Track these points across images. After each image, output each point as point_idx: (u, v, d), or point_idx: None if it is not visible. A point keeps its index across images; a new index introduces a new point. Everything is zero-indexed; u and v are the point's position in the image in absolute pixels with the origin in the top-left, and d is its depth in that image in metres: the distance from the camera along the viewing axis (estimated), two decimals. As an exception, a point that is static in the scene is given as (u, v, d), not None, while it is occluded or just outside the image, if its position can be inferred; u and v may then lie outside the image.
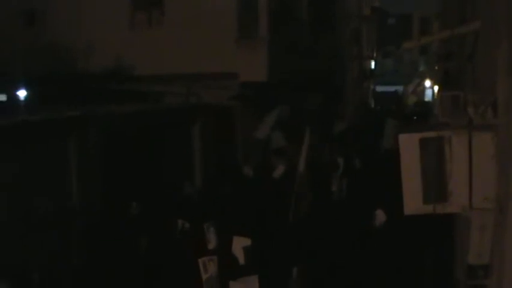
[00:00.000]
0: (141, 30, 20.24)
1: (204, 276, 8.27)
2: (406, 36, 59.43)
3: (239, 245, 8.52)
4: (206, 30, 18.68)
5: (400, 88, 58.76)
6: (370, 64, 46.04)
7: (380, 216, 9.49)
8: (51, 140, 11.34)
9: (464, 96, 11.80)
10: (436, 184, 4.71)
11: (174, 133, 15.61)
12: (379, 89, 52.82)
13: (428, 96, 57.12)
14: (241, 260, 8.60)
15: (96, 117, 12.62)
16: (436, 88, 48.08)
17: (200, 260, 8.31)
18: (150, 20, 20.47)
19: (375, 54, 48.49)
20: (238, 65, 18.35)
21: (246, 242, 8.49)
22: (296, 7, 22.07)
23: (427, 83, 57.10)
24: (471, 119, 4.34)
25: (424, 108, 38.40)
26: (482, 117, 4.27)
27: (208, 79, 18.30)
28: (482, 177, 4.14)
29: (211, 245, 8.95)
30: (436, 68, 37.97)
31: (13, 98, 18.89)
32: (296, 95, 21.04)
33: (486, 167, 4.09)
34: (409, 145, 4.89)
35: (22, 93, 18.86)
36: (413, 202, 4.91)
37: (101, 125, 12.68)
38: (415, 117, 31.59)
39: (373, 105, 46.17)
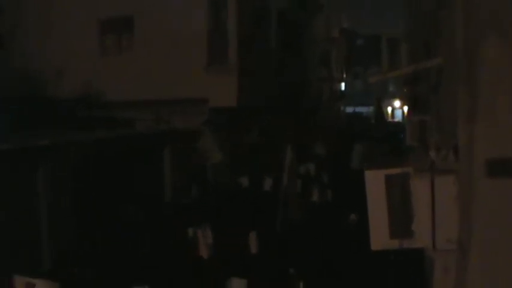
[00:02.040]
0: (110, 55, 20.30)
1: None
2: (375, 56, 60.20)
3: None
4: (176, 56, 18.73)
5: (370, 108, 59.43)
6: (340, 86, 46.46)
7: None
8: (19, 169, 11.27)
9: (431, 121, 11.98)
10: (402, 220, 4.79)
11: (145, 159, 15.61)
12: (350, 110, 53.27)
13: (398, 116, 57.80)
14: None
15: (65, 144, 12.60)
16: (405, 109, 48.62)
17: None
18: (120, 45, 20.46)
19: (344, 76, 48.92)
20: (208, 90, 18.39)
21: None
22: (265, 33, 22.24)
23: (397, 103, 57.81)
24: (433, 162, 4.45)
25: (395, 128, 38.67)
26: (444, 160, 4.38)
27: (178, 105, 18.31)
28: (445, 218, 4.23)
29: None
30: (405, 90, 38.32)
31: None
32: (266, 119, 21.19)
33: (448, 208, 4.18)
34: (375, 181, 4.97)
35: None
36: (380, 237, 4.98)
37: (71, 153, 12.65)
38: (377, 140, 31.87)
39: (343, 126, 46.47)
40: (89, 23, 20.03)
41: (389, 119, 57.43)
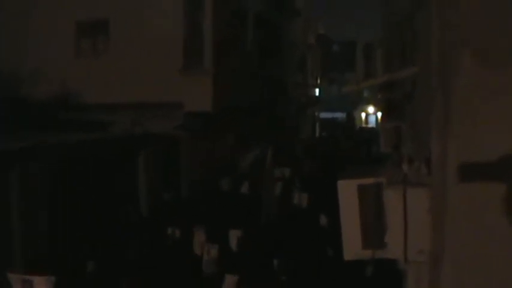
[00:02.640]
0: (86, 57, 20.13)
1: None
2: (351, 62, 60.51)
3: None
4: (151, 60, 18.63)
5: (343, 114, 59.73)
6: (315, 91, 46.63)
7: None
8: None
9: (405, 128, 12.02)
10: (375, 230, 4.76)
11: (119, 162, 15.50)
12: (324, 115, 53.49)
13: (372, 122, 58.12)
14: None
15: (40, 147, 12.46)
16: (379, 114, 48.97)
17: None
18: (96, 48, 20.34)
19: (319, 81, 49.12)
20: (183, 95, 18.32)
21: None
22: (241, 37, 22.25)
23: (371, 109, 58.13)
24: (405, 174, 4.43)
25: (369, 134, 38.90)
26: (417, 173, 4.37)
27: (153, 109, 18.22)
28: (417, 230, 4.21)
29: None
30: (379, 96, 38.55)
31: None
32: (241, 124, 21.21)
33: (421, 220, 4.16)
34: (347, 191, 4.94)
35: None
36: (352, 247, 4.95)
37: (45, 155, 12.52)
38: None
39: (318, 132, 46.65)
40: (66, 25, 19.84)
41: (363, 125, 57.77)
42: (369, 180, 4.74)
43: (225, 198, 15.22)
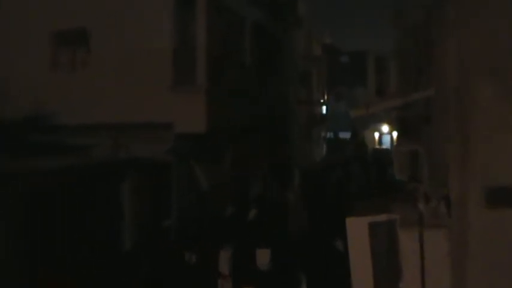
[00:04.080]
0: (63, 71, 20.27)
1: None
2: (361, 75, 60.66)
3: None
4: (138, 75, 18.75)
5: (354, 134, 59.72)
6: (321, 108, 46.78)
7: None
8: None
9: (422, 154, 12.09)
10: (388, 274, 4.81)
11: (101, 191, 15.58)
12: (332, 135, 53.59)
13: (386, 142, 58.11)
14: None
15: (7, 174, 12.48)
16: (394, 134, 48.96)
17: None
18: (74, 61, 20.45)
19: (326, 98, 49.31)
20: (173, 114, 18.38)
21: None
22: (238, 51, 22.35)
23: (385, 128, 58.15)
24: (421, 214, 4.48)
25: (383, 156, 38.81)
26: (434, 213, 4.42)
27: (139, 130, 18.28)
28: (435, 276, 4.27)
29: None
30: (394, 114, 38.63)
31: None
32: (238, 146, 21.29)
33: (439, 265, 4.21)
34: (357, 229, 5.00)
35: None
36: (362, 289, 4.99)
37: (14, 184, 12.53)
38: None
39: (324, 153, 46.69)
40: (40, 35, 19.95)
41: (377, 146, 57.69)
42: (381, 218, 4.81)
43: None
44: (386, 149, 49.23)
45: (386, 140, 58.61)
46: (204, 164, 19.39)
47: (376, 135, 61.05)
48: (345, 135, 58.47)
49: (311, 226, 16.12)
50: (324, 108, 48.56)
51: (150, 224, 16.92)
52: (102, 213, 15.44)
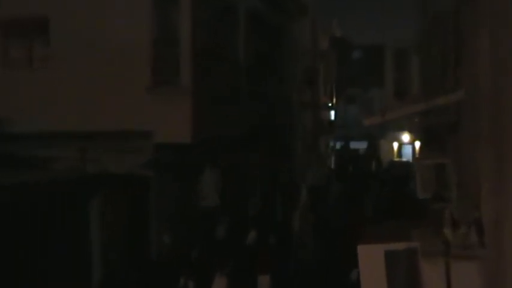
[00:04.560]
0: (17, 69, 20.18)
1: None
2: (377, 74, 60.72)
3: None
4: (109, 73, 18.82)
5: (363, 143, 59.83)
6: (329, 114, 46.89)
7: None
8: None
9: (449, 168, 12.15)
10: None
11: (64, 214, 15.63)
12: (342, 145, 53.79)
13: (406, 154, 58.19)
14: None
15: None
16: (417, 144, 49.09)
17: None
18: (30, 55, 20.41)
19: (335, 101, 49.44)
20: (152, 121, 18.47)
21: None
22: (229, 46, 22.42)
23: (405, 137, 58.26)
24: (448, 243, 4.50)
25: (403, 172, 38.89)
26: (464, 240, 4.43)
27: (111, 139, 18.34)
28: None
29: None
30: (416, 120, 38.73)
31: None
32: (230, 158, 21.35)
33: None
34: (371, 258, 5.03)
35: None
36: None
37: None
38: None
39: (333, 167, 46.83)
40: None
41: (395, 158, 57.78)
42: (399, 245, 4.84)
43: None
44: (407, 162, 49.35)
45: (407, 151, 58.72)
46: (189, 180, 19.45)
47: (395, 145, 61.13)
48: (358, 145, 58.72)
49: (319, 252, 16.45)
50: (333, 113, 48.69)
51: (124, 252, 16.93)
52: (64, 241, 15.44)
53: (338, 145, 53.08)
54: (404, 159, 56.43)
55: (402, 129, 57.00)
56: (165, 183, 18.79)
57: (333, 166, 47.12)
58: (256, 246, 17.33)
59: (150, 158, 18.44)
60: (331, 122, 47.12)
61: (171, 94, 19.19)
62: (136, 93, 18.72)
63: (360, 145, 59.25)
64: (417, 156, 45.83)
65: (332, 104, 48.21)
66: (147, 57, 19.04)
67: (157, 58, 19.16)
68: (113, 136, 18.41)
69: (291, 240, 18.35)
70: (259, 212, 22.11)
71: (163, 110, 18.76)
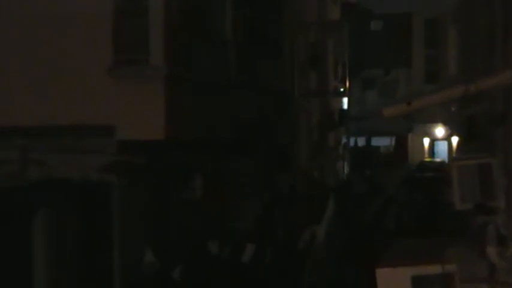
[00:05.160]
0: None
1: None
2: (402, 51, 60.87)
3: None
4: (58, 51, 18.86)
5: (393, 140, 59.99)
6: (340, 102, 46.95)
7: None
8: None
9: (497, 171, 12.27)
10: None
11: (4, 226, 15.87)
12: (358, 142, 53.91)
13: (441, 152, 58.44)
14: None
15: None
16: (454, 140, 49.39)
17: None
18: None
19: (348, 85, 49.35)
20: (114, 112, 18.55)
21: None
22: (214, 17, 22.52)
23: (439, 131, 58.47)
24: (493, 266, 4.58)
25: (435, 175, 39.21)
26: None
27: (61, 136, 18.44)
28: None
29: None
30: (453, 109, 39.05)
31: None
32: (215, 159, 21.47)
33: None
34: (394, 284, 5.11)
35: None
36: None
37: None
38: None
39: (347, 170, 46.96)
40: None
41: (426, 158, 58.06)
42: (430, 269, 4.93)
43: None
44: (441, 163, 49.68)
45: (441, 149, 59.00)
46: (163, 186, 19.64)
47: (426, 142, 61.35)
48: (378, 142, 58.90)
49: (332, 274, 16.80)
50: (346, 101, 48.64)
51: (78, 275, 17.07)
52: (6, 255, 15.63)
53: (352, 143, 53.14)
54: (437, 159, 56.76)
55: (435, 121, 57.24)
56: (132, 191, 18.92)
57: (346, 170, 47.18)
58: (255, 265, 17.90)
59: (112, 159, 18.57)
60: (343, 113, 47.08)
61: (138, 77, 19.07)
62: (94, 76, 18.65)
63: (381, 142, 59.50)
64: (454, 155, 46.28)
65: (345, 90, 48.09)
66: (107, 30, 18.95)
67: (121, 33, 19.09)
68: (63, 132, 18.42)
69: (296, 261, 18.66)
70: (257, 225, 22.30)
71: (127, 99, 18.78)
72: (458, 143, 44.06)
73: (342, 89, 46.76)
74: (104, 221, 18.37)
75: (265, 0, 26.34)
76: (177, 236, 19.74)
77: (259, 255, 18.30)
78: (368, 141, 57.90)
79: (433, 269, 4.86)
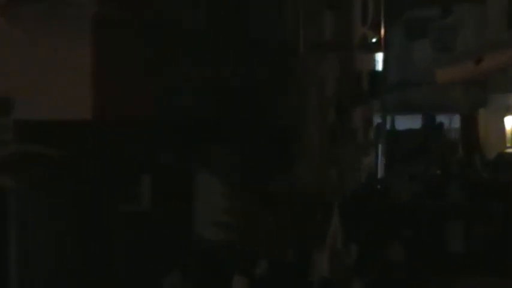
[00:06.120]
0: None
1: None
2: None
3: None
4: None
5: (452, 119, 60.17)
6: (372, 60, 46.60)
7: None
8: None
9: None
10: None
11: None
12: (398, 122, 53.95)
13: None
14: None
15: None
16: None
17: None
18: None
19: (383, 32, 48.87)
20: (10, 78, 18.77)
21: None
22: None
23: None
24: None
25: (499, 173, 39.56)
26: None
27: None
28: None
29: None
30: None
31: None
32: (171, 151, 21.58)
33: None
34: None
35: None
36: None
37: None
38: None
39: (382, 172, 46.95)
40: None
41: (508, 146, 58.25)
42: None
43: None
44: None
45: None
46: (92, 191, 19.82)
47: (508, 122, 61.42)
48: (430, 122, 58.86)
49: None
50: (380, 59, 48.15)
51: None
52: None
53: (391, 124, 53.09)
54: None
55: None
56: (39, 200, 19.19)
57: (381, 162, 47.16)
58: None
59: (7, 150, 18.65)
60: (376, 77, 46.69)
61: (55, 36, 19.33)
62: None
63: (436, 123, 59.50)
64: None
65: (378, 41, 47.56)
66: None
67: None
68: None
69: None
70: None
71: (38, 62, 19.15)
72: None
73: (373, 39, 46.40)
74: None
75: None
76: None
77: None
78: (416, 121, 57.58)
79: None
